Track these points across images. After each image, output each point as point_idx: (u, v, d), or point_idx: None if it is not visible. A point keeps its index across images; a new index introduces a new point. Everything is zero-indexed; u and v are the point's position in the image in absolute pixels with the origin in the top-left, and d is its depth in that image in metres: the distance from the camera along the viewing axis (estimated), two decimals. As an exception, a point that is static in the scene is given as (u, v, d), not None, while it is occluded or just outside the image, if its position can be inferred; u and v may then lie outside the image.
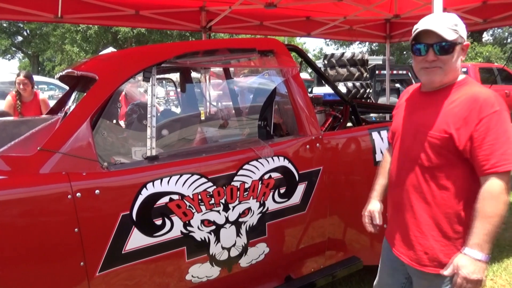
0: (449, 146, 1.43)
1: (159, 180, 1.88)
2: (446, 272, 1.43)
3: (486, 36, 25.11)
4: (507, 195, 1.39)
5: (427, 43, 1.45)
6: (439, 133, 1.44)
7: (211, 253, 2.06)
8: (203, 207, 1.99)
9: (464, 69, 9.54)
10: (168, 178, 1.90)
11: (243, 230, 2.13)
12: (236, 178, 2.07)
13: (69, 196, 1.69)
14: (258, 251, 2.22)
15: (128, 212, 1.81)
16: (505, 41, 25.72)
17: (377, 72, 11.40)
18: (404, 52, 26.05)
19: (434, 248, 1.49)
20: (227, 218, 2.07)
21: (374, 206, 1.78)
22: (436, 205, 1.48)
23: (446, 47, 1.43)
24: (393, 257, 1.67)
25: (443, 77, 1.48)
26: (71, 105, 2.64)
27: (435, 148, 1.45)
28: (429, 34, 1.44)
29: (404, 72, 11.48)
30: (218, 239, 2.06)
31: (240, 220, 2.11)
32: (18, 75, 4.48)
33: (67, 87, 2.90)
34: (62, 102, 2.87)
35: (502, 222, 1.38)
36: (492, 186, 1.37)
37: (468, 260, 1.38)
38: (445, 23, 1.44)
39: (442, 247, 1.48)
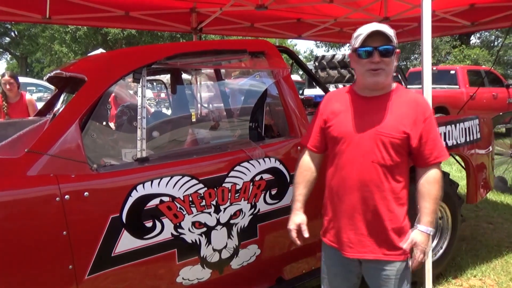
0: (405, 145, 1.63)
1: (150, 182, 1.87)
2: (405, 245, 1.65)
3: (473, 39, 25.48)
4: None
5: (374, 46, 1.58)
6: (399, 134, 1.61)
7: (202, 255, 2.05)
8: (194, 209, 1.98)
9: (453, 71, 9.66)
10: (159, 180, 1.89)
11: (234, 232, 2.12)
12: (227, 179, 2.07)
13: (57, 199, 1.67)
14: (250, 253, 2.21)
15: (118, 215, 1.79)
16: (492, 44, 26.11)
17: (367, 74, 11.45)
18: (394, 55, 26.23)
19: (394, 238, 1.66)
20: (218, 220, 2.06)
21: (300, 219, 1.79)
22: (394, 199, 1.65)
23: (390, 50, 1.59)
24: (346, 261, 1.73)
25: (385, 78, 1.64)
26: (59, 106, 2.61)
27: (395, 147, 1.62)
28: (375, 38, 1.58)
29: (394, 74, 11.56)
30: (209, 241, 2.05)
31: (231, 221, 2.11)
32: (3, 75, 4.41)
33: (55, 89, 2.87)
34: (50, 104, 2.84)
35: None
36: (436, 173, 1.66)
37: (424, 236, 1.64)
38: (386, 29, 1.60)
39: (398, 235, 1.67)
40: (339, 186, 1.70)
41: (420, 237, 1.63)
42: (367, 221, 1.66)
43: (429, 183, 1.64)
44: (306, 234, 1.77)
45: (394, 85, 1.70)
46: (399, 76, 11.45)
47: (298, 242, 1.79)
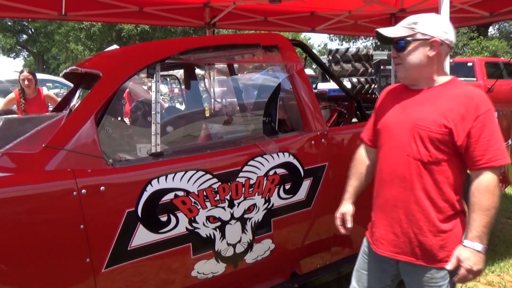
0: (448, 141, 1.47)
1: (164, 177, 1.88)
2: (449, 266, 1.47)
3: (492, 30, 24.87)
4: (499, 188, 1.46)
5: (393, 43, 1.57)
6: (439, 128, 1.47)
7: (216, 250, 2.06)
8: (208, 204, 1.99)
9: (470, 64, 9.45)
10: (173, 174, 1.90)
11: (248, 227, 2.13)
12: (241, 174, 2.07)
13: (74, 193, 1.70)
14: (264, 247, 2.21)
15: (134, 209, 1.81)
16: (511, 35, 25.44)
17: (382, 67, 11.35)
18: (409, 47, 25.81)
19: (432, 244, 1.52)
20: (232, 215, 2.07)
21: (346, 208, 1.78)
22: (434, 199, 1.51)
23: (400, 45, 1.54)
24: (383, 259, 1.66)
25: (405, 73, 1.57)
26: (75, 102, 2.64)
27: (435, 143, 1.48)
28: None
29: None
30: (223, 236, 2.06)
31: (245, 216, 2.11)
32: (22, 71, 4.50)
33: (72, 85, 2.91)
34: (66, 100, 2.88)
35: (496, 213, 1.45)
36: (488, 180, 1.44)
37: (470, 253, 1.43)
38: (403, 23, 1.57)
39: (440, 241, 1.51)
40: (377, 179, 1.67)
41: (465, 254, 1.44)
42: (400, 219, 1.56)
43: (480, 192, 1.43)
44: (348, 224, 1.76)
45: (448, 78, 1.57)
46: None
47: (342, 231, 1.79)
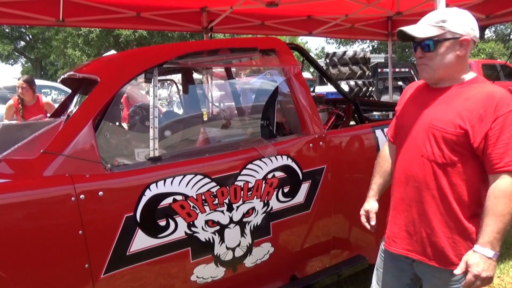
0: (464, 143, 1.42)
1: (163, 181, 1.88)
2: (458, 271, 1.43)
3: (488, 33, 25.01)
4: None
5: (416, 42, 1.50)
6: (455, 129, 1.42)
7: (215, 254, 2.06)
8: (207, 208, 1.98)
9: (467, 66, 9.49)
10: (172, 178, 1.90)
11: (247, 230, 2.12)
12: (239, 177, 2.07)
13: (72, 198, 1.69)
14: (263, 251, 2.21)
15: (132, 214, 1.81)
16: (507, 37, 25.60)
17: (379, 70, 11.38)
18: (406, 50, 25.97)
19: (444, 245, 1.49)
20: (231, 218, 2.07)
21: (370, 205, 1.76)
22: (447, 202, 1.47)
23: (427, 44, 1.47)
24: (399, 257, 1.64)
25: (432, 73, 1.50)
26: (73, 107, 2.64)
27: (449, 144, 1.44)
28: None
29: (407, 70, 11.45)
30: (222, 240, 2.06)
31: (244, 220, 2.11)
32: (19, 79, 4.52)
33: (69, 90, 2.91)
34: (64, 105, 2.88)
35: None
36: (505, 184, 1.37)
37: (479, 258, 1.38)
38: (429, 21, 1.49)
39: (453, 244, 1.48)
40: (394, 178, 1.65)
41: (473, 259, 1.38)
42: (413, 218, 1.55)
43: (495, 196, 1.37)
44: (372, 222, 1.73)
45: (470, 76, 1.51)
46: (411, 71, 11.32)
47: (368, 226, 1.76)
